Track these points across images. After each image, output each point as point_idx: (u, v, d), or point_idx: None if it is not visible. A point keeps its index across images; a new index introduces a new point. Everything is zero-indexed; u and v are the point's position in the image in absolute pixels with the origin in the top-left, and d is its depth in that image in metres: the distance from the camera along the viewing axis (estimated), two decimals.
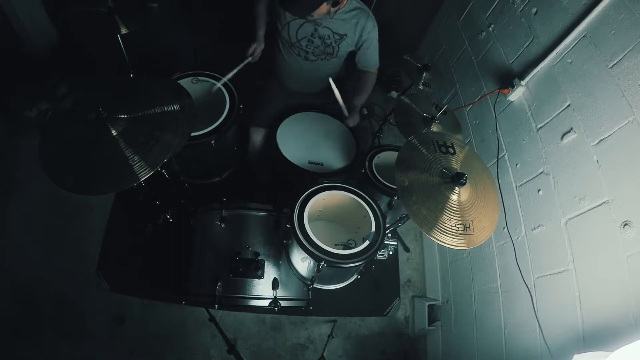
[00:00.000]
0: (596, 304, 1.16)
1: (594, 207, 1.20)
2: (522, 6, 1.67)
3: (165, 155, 1.14)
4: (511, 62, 1.72)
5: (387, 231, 1.48)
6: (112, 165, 1.12)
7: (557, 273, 1.31)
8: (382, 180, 1.70)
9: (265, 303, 1.53)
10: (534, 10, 1.60)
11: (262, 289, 1.54)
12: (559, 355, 1.24)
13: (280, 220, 1.62)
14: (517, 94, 1.63)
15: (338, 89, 1.69)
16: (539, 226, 1.44)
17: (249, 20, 1.78)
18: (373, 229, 1.43)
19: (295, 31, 1.65)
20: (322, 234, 1.36)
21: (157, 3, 1.65)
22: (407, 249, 2.33)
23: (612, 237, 1.12)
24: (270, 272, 1.57)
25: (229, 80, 1.74)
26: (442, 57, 2.40)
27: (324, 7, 1.45)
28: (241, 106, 1.72)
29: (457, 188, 1.15)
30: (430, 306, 2.05)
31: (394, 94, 2.86)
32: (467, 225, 1.13)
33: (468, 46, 2.10)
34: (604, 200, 1.16)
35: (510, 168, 1.66)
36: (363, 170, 1.75)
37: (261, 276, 1.54)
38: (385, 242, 1.86)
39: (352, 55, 1.79)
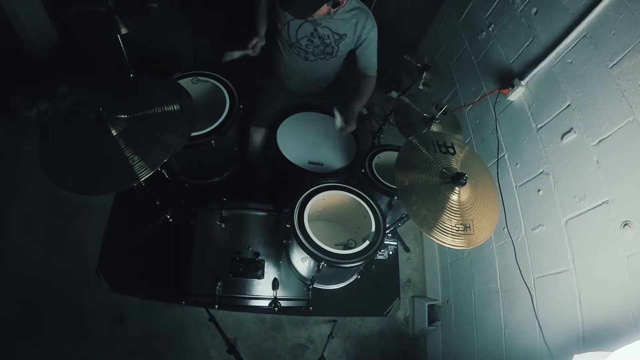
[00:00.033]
0: (596, 304, 1.16)
1: (594, 207, 1.20)
2: (522, 6, 1.67)
3: (165, 155, 1.14)
4: (511, 62, 1.72)
5: (387, 231, 1.48)
6: (112, 165, 1.12)
7: (557, 273, 1.31)
8: (382, 180, 1.70)
9: (265, 303, 1.53)
10: (534, 10, 1.60)
11: (262, 289, 1.54)
12: (559, 355, 1.24)
13: (280, 220, 1.62)
14: (517, 94, 1.63)
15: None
16: (539, 226, 1.44)
17: (249, 20, 1.78)
18: (373, 229, 1.43)
19: (294, 31, 1.65)
20: (322, 234, 1.36)
21: (157, 3, 1.65)
22: (407, 249, 2.33)
23: (612, 237, 1.12)
24: (270, 272, 1.57)
25: (229, 80, 1.74)
26: (442, 57, 2.40)
27: (324, 8, 1.44)
28: (241, 106, 1.72)
29: (457, 188, 1.15)
30: (430, 306, 2.05)
31: (394, 94, 2.86)
32: (467, 225, 1.13)
33: (468, 46, 2.10)
34: (604, 200, 1.16)
35: (510, 168, 1.66)
36: (363, 170, 1.75)
37: (261, 276, 1.54)
38: (385, 242, 1.86)
39: (351, 55, 1.79)
